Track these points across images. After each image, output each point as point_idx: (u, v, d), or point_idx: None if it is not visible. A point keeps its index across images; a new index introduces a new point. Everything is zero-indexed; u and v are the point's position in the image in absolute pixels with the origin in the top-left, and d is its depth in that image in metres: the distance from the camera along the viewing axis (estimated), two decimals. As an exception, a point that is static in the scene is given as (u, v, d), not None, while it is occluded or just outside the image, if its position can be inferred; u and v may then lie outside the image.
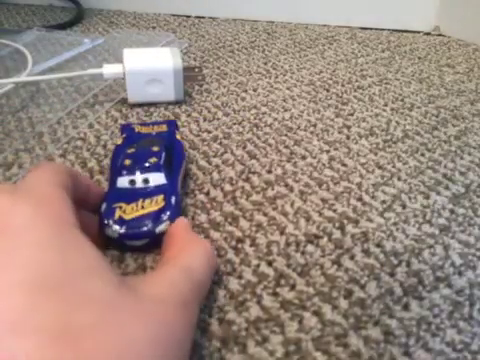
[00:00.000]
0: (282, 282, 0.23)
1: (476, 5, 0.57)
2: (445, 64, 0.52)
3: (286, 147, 0.35)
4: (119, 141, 0.31)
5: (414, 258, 0.25)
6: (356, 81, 0.47)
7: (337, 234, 0.26)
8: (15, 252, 0.15)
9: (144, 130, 0.32)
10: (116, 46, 0.55)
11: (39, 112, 0.40)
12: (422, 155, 0.34)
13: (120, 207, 0.24)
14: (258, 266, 0.24)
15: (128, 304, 0.15)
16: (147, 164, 0.27)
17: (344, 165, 0.33)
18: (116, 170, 0.27)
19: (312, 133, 0.37)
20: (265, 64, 0.51)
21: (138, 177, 0.26)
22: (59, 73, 0.45)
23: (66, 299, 0.14)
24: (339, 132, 0.37)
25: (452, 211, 0.28)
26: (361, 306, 0.22)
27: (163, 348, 0.15)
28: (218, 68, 0.50)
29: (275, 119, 0.39)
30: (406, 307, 0.22)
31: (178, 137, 0.31)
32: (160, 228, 0.24)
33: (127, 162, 0.27)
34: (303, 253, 0.25)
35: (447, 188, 0.30)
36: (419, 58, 0.53)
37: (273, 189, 0.30)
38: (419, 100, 0.43)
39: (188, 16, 0.69)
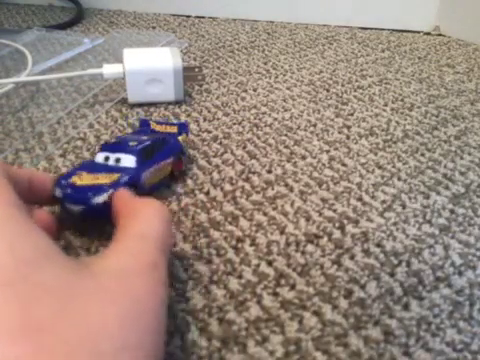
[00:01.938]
0: (282, 282, 0.23)
1: (476, 5, 0.57)
2: (445, 64, 0.52)
3: (286, 147, 0.35)
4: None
5: (414, 258, 0.25)
6: (356, 81, 0.47)
7: (337, 234, 0.26)
8: None
9: (158, 128, 0.33)
10: (116, 46, 0.55)
11: (39, 112, 0.40)
12: (422, 155, 0.34)
13: (80, 175, 0.25)
14: (258, 266, 0.24)
15: (88, 287, 0.15)
16: (125, 146, 0.27)
17: (344, 165, 0.33)
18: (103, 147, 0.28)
19: (312, 133, 0.37)
20: (265, 64, 0.51)
21: (112, 155, 0.27)
22: (59, 73, 0.45)
23: (20, 294, 0.14)
24: (339, 132, 0.37)
25: (452, 211, 0.28)
26: (361, 306, 0.22)
27: (135, 319, 0.15)
28: (218, 68, 0.50)
29: (275, 119, 0.39)
30: (406, 307, 0.22)
31: (180, 139, 0.31)
32: (96, 199, 0.24)
33: (113, 141, 0.28)
34: (303, 253, 0.25)
35: (447, 188, 0.30)
36: (419, 58, 0.53)
37: (273, 189, 0.30)
38: (419, 100, 0.43)
39: (188, 16, 0.69)
